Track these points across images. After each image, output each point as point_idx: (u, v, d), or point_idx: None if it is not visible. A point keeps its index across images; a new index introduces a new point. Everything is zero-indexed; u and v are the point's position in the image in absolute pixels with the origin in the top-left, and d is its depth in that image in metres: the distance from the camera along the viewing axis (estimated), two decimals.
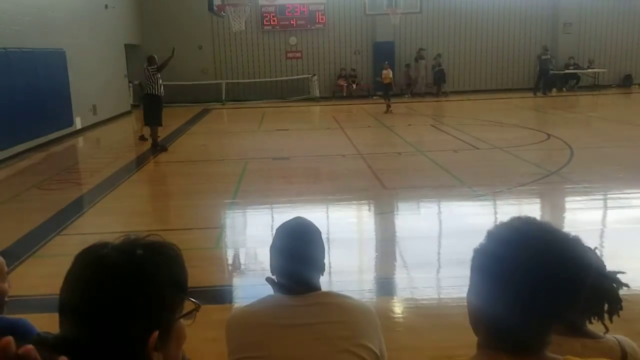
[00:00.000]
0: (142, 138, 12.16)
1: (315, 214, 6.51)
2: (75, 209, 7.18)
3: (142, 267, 0.91)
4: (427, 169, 8.81)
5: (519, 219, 1.04)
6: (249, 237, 6.19)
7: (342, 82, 20.86)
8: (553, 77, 19.92)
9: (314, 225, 1.95)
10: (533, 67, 20.68)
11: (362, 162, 9.39)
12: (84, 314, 0.88)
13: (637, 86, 20.49)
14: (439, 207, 7.05)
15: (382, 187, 7.73)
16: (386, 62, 16.93)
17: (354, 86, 20.79)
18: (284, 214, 6.65)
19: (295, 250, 1.81)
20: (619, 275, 1.56)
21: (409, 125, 14.24)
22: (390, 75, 16.32)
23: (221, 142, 12.38)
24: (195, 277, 5.08)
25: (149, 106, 10.93)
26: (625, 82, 20.85)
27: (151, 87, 10.77)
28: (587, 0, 20.51)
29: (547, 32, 20.94)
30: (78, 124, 13.85)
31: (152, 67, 10.72)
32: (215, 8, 14.32)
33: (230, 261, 5.53)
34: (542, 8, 20.79)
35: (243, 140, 12.50)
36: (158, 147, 10.89)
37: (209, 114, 17.87)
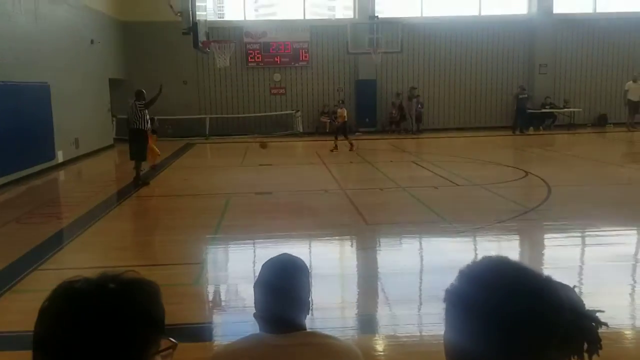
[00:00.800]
0: (154, 168, 12.67)
1: (298, 250, 6.51)
2: (54, 243, 7.10)
3: (113, 301, 0.89)
4: (408, 204, 8.91)
5: (490, 258, 1.02)
6: (231, 273, 6.17)
7: (325, 119, 21.11)
8: (530, 116, 20.38)
9: (301, 261, 1.89)
10: (511, 106, 21.15)
11: (345, 197, 9.47)
12: (52, 347, 0.86)
13: (611, 126, 21.03)
14: (421, 243, 7.11)
15: (364, 222, 7.79)
16: (341, 102, 17.50)
17: (336, 123, 21.01)
18: (267, 250, 6.66)
19: (280, 288, 1.76)
20: (598, 314, 1.59)
21: (391, 161, 14.41)
22: (345, 114, 16.41)
23: (204, 177, 12.40)
24: (175, 314, 5.05)
25: (135, 141, 10.92)
26: (600, 122, 21.41)
27: (138, 122, 10.79)
28: (562, 42, 21.20)
29: (524, 72, 21.53)
30: (60, 157, 13.78)
31: (140, 102, 10.76)
32: (200, 45, 14.53)
33: (211, 298, 5.49)
34: (518, 49, 21.41)
35: (226, 175, 12.54)
36: (140, 182, 10.86)
37: (192, 148, 17.92)
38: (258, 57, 21.15)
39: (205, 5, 18.63)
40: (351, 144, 15.93)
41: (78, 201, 9.60)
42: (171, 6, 13.91)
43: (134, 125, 10.84)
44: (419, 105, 20.82)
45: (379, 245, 7.01)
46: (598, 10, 21.72)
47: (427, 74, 21.55)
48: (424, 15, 21.56)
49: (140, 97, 10.82)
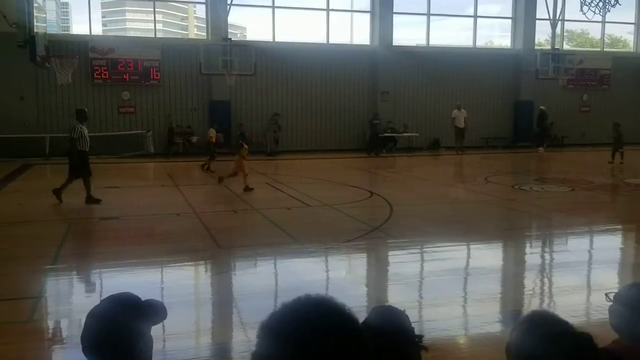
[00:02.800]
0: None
1: (147, 278, 6.30)
2: None
3: None
4: (261, 226, 9.03)
5: (299, 299, 1.13)
6: (72, 307, 5.76)
7: (178, 139, 20.64)
8: (382, 140, 21.79)
9: (132, 301, 1.69)
10: (364, 130, 22.42)
11: (197, 221, 9.32)
12: None
13: (444, 149, 23.16)
14: (273, 265, 7.25)
15: (217, 246, 7.74)
16: (215, 124, 17.87)
17: (193, 140, 20.67)
18: (112, 280, 6.35)
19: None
20: (423, 335, 1.73)
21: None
22: (213, 135, 16.58)
23: (42, 201, 11.40)
24: (6, 355, 4.63)
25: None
26: (434, 146, 23.50)
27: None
28: (400, 72, 22.95)
29: (369, 98, 22.97)
30: None
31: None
32: (38, 58, 13.50)
33: (48, 335, 5.08)
34: (364, 77, 22.78)
35: (68, 199, 11.64)
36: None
37: (29, 169, 16.44)
38: (105, 74, 20.11)
39: (45, 17, 17.37)
40: (207, 166, 15.93)
41: None
42: (5, 16, 12.78)
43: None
44: (277, 128, 21.24)
45: (232, 269, 7.01)
46: (431, 44, 23.98)
47: (281, 97, 22.05)
48: (276, 40, 22.13)
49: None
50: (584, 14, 15.01)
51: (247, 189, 12.10)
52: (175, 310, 5.44)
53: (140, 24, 22.76)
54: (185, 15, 26.37)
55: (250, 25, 24.97)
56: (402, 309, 1.78)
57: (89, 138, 11.11)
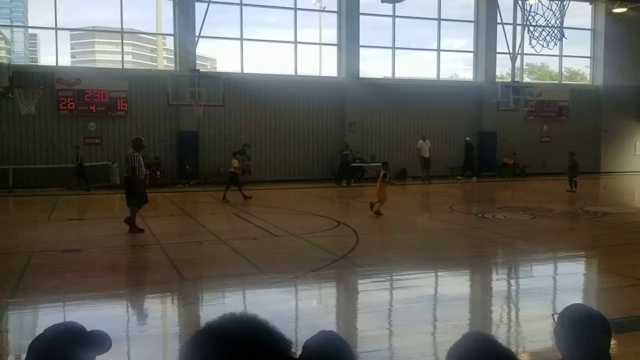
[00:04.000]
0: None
1: (108, 311, 6.19)
2: None
3: None
4: (227, 257, 8.98)
5: (223, 316, 1.21)
6: (29, 341, 5.60)
7: (145, 170, 20.44)
8: (350, 170, 21.99)
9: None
10: (333, 160, 22.62)
11: (161, 252, 9.23)
12: None
13: (411, 179, 23.49)
14: (238, 296, 7.20)
15: (181, 278, 7.67)
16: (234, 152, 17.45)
17: (158, 174, 20.52)
18: (72, 313, 6.22)
19: None
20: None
21: (212, 213, 14.41)
22: (235, 164, 16.40)
23: (1, 234, 11.16)
24: None
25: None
26: (401, 175, 23.83)
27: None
28: (368, 103, 23.37)
29: (337, 129, 23.27)
30: None
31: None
32: (1, 90, 13.35)
33: None
34: (332, 108, 23.09)
35: (28, 232, 11.40)
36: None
37: None
38: (71, 105, 19.94)
39: (10, 49, 17.23)
40: (244, 195, 15.80)
41: None
42: None
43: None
44: (246, 159, 21.25)
45: (196, 301, 6.94)
46: (397, 76, 24.55)
47: (250, 128, 22.14)
48: (244, 71, 22.35)
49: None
50: (533, 47, 15.90)
51: (378, 213, 13.02)
52: (135, 344, 5.38)
53: (109, 55, 22.76)
54: (155, 46, 26.49)
55: (220, 56, 25.25)
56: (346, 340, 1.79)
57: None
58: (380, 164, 14.48)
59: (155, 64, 24.40)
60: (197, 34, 20.69)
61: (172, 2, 21.24)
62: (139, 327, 5.87)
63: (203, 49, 22.45)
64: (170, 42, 22.47)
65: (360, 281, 8.00)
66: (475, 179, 23.14)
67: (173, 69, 21.82)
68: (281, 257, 9.00)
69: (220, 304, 6.87)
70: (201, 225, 12.15)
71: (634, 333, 5.36)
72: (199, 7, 20.89)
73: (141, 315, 6.40)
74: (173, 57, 22.14)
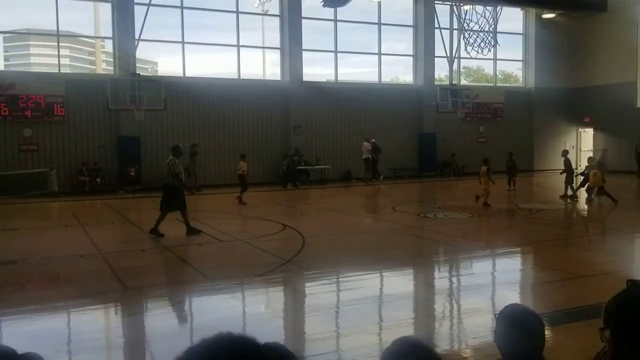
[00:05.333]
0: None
1: (48, 324, 6.02)
2: None
3: None
4: (172, 264, 8.88)
5: (220, 335, 1.12)
6: None
7: (84, 177, 19.86)
8: (296, 173, 22.04)
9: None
10: (278, 163, 22.60)
11: (103, 261, 9.00)
12: None
13: (355, 180, 23.82)
14: (184, 304, 7.14)
15: (123, 288, 7.52)
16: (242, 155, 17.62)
17: (98, 180, 19.96)
18: (9, 329, 6.02)
19: None
20: None
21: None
22: (244, 167, 16.76)
23: None
24: None
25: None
26: (346, 177, 24.13)
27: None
28: (311, 106, 23.50)
29: (282, 132, 23.31)
30: None
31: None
32: None
33: None
34: (276, 111, 23.11)
35: None
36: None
37: None
38: (5, 111, 19.12)
39: None
40: (240, 198, 16.19)
41: None
42: None
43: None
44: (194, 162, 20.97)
45: (140, 311, 6.83)
46: (340, 80, 24.85)
47: (194, 132, 21.86)
48: (187, 75, 22.06)
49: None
50: (468, 53, 16.65)
51: (486, 204, 14.58)
52: (80, 357, 5.26)
53: (45, 59, 21.90)
54: (93, 50, 25.69)
55: (162, 60, 24.77)
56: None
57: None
58: (482, 160, 15.90)
59: (94, 67, 23.69)
60: (137, 37, 20.26)
61: (110, 4, 20.72)
62: (79, 341, 5.74)
63: (143, 52, 21.95)
64: (109, 46, 21.89)
65: (307, 284, 8.08)
66: (380, 178, 23.30)
67: (112, 72, 21.27)
68: (227, 263, 8.97)
69: (165, 313, 6.80)
70: (144, 233, 11.90)
71: (567, 325, 5.68)
72: (139, 10, 20.47)
73: (82, 328, 6.25)
74: (112, 60, 21.58)
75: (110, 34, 21.12)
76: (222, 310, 6.67)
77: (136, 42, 20.30)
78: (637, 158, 23.87)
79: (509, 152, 20.06)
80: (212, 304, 6.97)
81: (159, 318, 6.58)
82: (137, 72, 20.20)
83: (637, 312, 1.57)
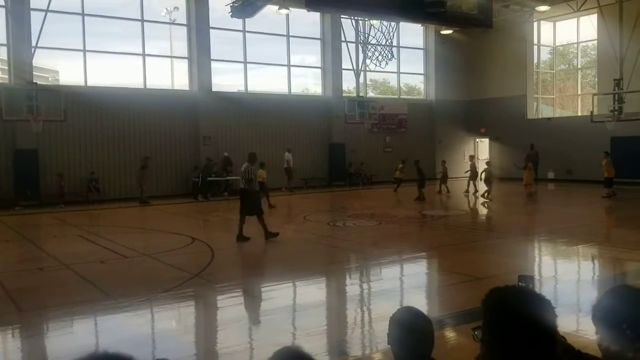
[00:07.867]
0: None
1: None
2: None
3: None
4: (71, 283, 8.44)
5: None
6: None
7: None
8: (210, 184, 21.65)
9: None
10: (187, 175, 22.10)
11: None
12: None
13: (269, 191, 23.75)
14: (84, 325, 6.81)
15: (17, 310, 7.07)
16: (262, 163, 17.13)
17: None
18: None
19: None
20: None
21: (55, 236, 13.41)
22: (263, 175, 16.64)
23: None
24: None
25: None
26: (261, 187, 24.00)
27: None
28: (222, 116, 23.26)
29: (191, 142, 22.88)
30: None
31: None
32: None
33: None
34: (185, 122, 22.65)
35: None
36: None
37: None
38: None
39: None
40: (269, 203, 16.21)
41: None
42: None
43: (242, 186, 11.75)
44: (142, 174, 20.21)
45: (38, 334, 6.44)
46: (250, 90, 24.83)
47: (97, 144, 20.96)
48: (89, 84, 21.15)
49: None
50: (367, 66, 17.63)
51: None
52: None
53: None
54: None
55: (62, 69, 23.57)
56: None
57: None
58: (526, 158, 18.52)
59: None
60: (33, 44, 19.16)
61: (4, 9, 19.47)
62: None
63: (42, 60, 20.80)
64: (3, 53, 20.54)
65: (217, 297, 7.98)
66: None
67: (7, 81, 19.97)
68: (131, 280, 8.67)
69: (65, 334, 6.47)
70: (42, 250, 11.26)
71: (469, 325, 6.01)
72: (35, 16, 19.40)
73: None
74: (7, 68, 20.27)
75: (4, 41, 19.83)
76: (125, 329, 6.43)
77: (33, 49, 19.20)
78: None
79: (416, 160, 20.95)
80: (114, 322, 6.71)
81: (55, 341, 6.24)
82: (35, 81, 19.11)
83: (515, 312, 1.57)
